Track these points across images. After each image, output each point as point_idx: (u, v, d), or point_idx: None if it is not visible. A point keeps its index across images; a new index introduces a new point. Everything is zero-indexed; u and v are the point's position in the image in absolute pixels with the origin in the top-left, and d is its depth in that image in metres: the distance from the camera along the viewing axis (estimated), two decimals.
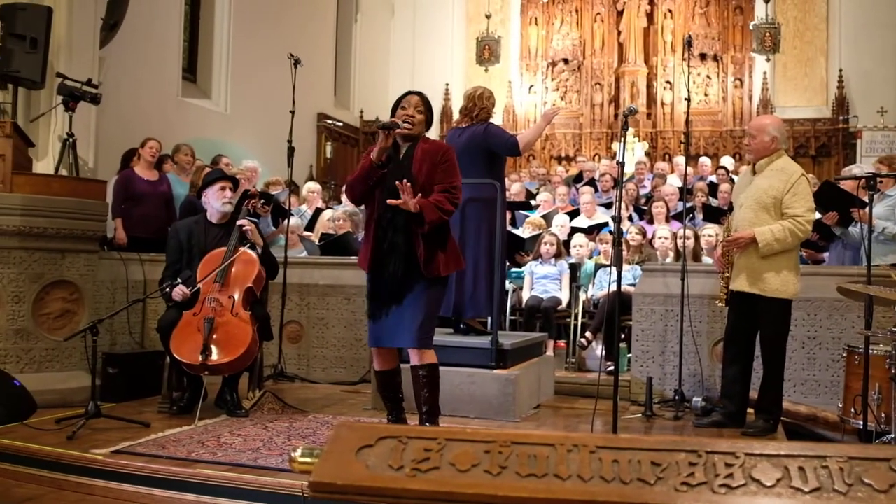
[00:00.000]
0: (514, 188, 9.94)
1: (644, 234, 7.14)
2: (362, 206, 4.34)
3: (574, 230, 7.82)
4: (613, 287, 4.24)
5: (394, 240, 3.84)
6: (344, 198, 8.92)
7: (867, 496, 1.09)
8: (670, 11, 14.93)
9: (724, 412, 4.76)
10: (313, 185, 9.26)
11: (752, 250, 4.51)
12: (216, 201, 5.06)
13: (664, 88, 14.84)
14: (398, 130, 3.85)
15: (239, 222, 4.96)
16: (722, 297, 4.79)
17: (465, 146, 5.11)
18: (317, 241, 7.59)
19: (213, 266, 4.83)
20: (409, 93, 4.05)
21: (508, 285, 6.96)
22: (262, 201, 5.80)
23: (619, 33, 15.20)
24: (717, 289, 4.91)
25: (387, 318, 3.92)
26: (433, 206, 3.77)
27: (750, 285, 4.53)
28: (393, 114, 4.00)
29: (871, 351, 4.26)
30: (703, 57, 14.68)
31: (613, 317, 4.61)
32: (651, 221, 7.91)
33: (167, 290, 4.79)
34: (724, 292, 4.75)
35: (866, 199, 4.75)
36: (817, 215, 5.38)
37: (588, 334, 6.56)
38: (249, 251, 4.91)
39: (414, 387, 3.97)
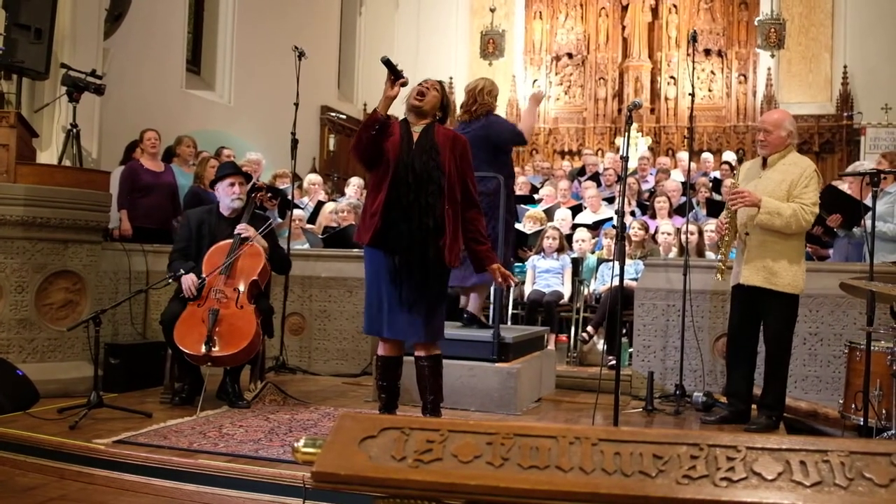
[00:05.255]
0: (519, 181, 9.93)
1: (646, 229, 7.14)
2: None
3: (576, 225, 7.83)
4: (615, 281, 4.24)
5: (422, 222, 3.69)
6: (348, 190, 8.93)
7: (868, 490, 1.09)
8: (675, 6, 14.89)
9: (732, 410, 4.73)
10: (314, 178, 9.23)
11: (763, 244, 4.50)
12: (226, 197, 5.03)
13: (668, 84, 14.81)
14: (401, 81, 3.74)
15: (237, 229, 4.89)
16: (721, 267, 4.70)
17: (469, 140, 5.11)
18: (319, 234, 7.60)
19: (218, 258, 4.84)
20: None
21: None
22: (270, 195, 5.79)
23: (623, 28, 15.17)
24: (717, 283, 4.88)
25: (397, 307, 3.77)
26: (488, 251, 3.97)
27: (763, 280, 4.50)
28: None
29: (872, 347, 4.27)
30: (707, 52, 14.65)
31: (615, 311, 4.61)
32: (653, 216, 7.91)
33: (179, 275, 4.78)
34: (723, 262, 4.70)
35: (870, 194, 4.74)
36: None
37: (590, 328, 6.57)
38: (256, 244, 4.90)
39: (418, 377, 3.94)
